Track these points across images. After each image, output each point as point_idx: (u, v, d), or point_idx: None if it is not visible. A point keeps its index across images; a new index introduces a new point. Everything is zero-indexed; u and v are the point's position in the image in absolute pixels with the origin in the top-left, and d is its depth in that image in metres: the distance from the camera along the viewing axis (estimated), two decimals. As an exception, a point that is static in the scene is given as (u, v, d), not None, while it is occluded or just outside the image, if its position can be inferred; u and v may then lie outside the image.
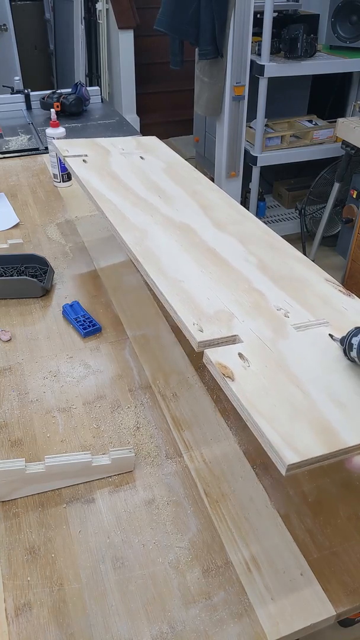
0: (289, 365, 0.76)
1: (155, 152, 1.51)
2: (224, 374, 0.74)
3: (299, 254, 1.04)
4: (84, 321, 1.22)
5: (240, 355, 0.78)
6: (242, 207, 1.21)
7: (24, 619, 0.71)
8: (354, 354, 0.76)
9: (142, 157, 1.45)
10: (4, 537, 0.80)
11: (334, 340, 0.81)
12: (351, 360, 0.77)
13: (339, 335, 0.80)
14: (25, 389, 1.05)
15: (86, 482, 0.88)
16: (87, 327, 1.20)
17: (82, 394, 1.04)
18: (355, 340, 0.76)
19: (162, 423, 0.98)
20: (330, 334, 0.82)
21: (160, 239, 1.06)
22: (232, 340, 0.81)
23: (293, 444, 0.64)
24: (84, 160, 1.42)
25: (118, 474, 0.89)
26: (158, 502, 0.85)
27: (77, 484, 0.88)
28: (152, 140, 1.61)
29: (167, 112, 4.64)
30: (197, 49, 2.95)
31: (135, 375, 1.09)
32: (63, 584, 0.75)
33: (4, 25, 3.89)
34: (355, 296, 0.92)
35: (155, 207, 1.19)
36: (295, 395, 0.71)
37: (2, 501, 0.85)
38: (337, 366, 0.77)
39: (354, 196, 2.65)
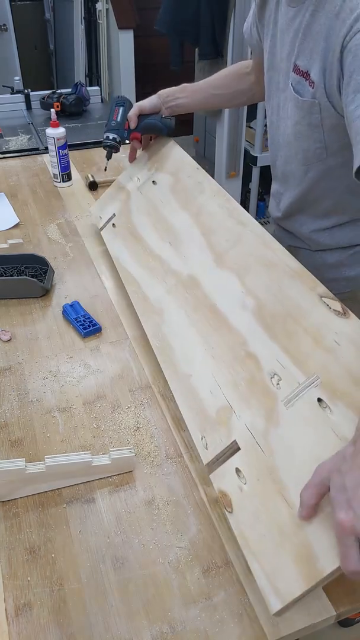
0: (279, 468, 0.74)
1: (164, 162, 1.42)
2: (224, 504, 0.78)
3: (293, 264, 0.94)
4: (84, 321, 1.22)
5: (237, 470, 0.79)
6: (241, 210, 1.12)
7: (24, 619, 0.71)
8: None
9: (154, 182, 1.39)
10: (4, 537, 0.80)
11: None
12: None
13: (327, 401, 0.73)
14: (25, 389, 1.05)
15: (86, 482, 0.88)
16: (87, 327, 1.20)
17: (82, 394, 1.04)
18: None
19: (162, 423, 0.98)
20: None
21: (173, 318, 1.10)
22: (232, 448, 0.82)
23: (276, 584, 0.66)
24: (113, 224, 1.44)
25: (118, 474, 0.89)
26: (158, 502, 0.85)
27: (77, 484, 0.88)
28: (162, 147, 1.47)
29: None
30: (197, 49, 2.95)
31: (135, 375, 1.09)
32: (63, 584, 0.75)
33: (4, 25, 3.90)
34: (350, 314, 0.81)
35: (167, 263, 1.19)
36: (282, 513, 0.69)
37: (2, 501, 0.85)
38: (324, 450, 0.69)
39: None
